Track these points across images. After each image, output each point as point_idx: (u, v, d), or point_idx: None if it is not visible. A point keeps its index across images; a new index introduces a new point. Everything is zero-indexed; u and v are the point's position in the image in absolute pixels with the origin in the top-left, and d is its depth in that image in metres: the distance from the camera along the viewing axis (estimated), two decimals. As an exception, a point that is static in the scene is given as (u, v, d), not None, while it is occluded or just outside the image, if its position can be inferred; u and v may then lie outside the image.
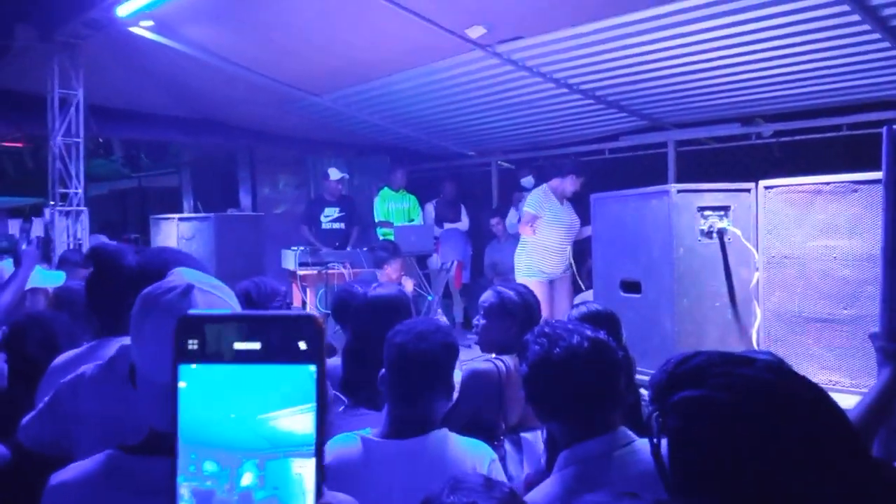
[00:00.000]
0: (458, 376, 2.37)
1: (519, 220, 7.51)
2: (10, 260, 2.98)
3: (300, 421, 0.62)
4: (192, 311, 0.65)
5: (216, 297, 1.28)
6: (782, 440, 0.90)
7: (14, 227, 12.75)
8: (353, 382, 2.14)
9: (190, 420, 0.62)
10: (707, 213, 3.25)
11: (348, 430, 1.89)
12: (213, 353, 0.62)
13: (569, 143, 7.65)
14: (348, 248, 6.97)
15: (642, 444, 1.52)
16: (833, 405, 0.94)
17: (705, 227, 3.23)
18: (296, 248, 6.55)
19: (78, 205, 5.97)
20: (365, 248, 6.72)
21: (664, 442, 0.99)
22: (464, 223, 8.13)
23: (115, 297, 2.28)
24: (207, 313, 0.65)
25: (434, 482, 1.68)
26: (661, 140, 7.13)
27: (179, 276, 1.34)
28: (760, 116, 6.54)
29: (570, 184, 5.71)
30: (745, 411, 0.92)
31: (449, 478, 1.29)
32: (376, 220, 7.73)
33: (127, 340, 2.12)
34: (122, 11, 5.23)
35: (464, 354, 2.83)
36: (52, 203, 5.93)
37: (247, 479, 0.61)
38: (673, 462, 0.96)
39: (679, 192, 3.24)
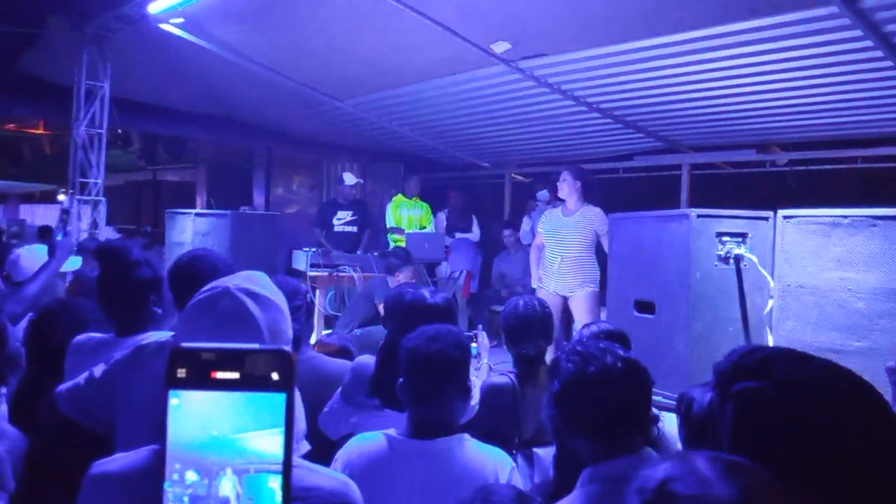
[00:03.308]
0: (476, 390, 2.42)
1: (532, 230, 7.57)
2: (42, 246, 3.01)
3: (271, 442, 0.71)
4: (184, 344, 0.75)
5: (245, 303, 1.28)
6: (833, 438, 0.94)
7: (26, 212, 12.80)
8: (384, 383, 2.18)
9: (178, 435, 0.72)
10: (725, 238, 3.29)
11: (372, 430, 1.94)
12: (199, 380, 0.72)
13: (584, 160, 7.70)
14: (359, 252, 7.02)
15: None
16: (885, 410, 0.98)
17: (723, 253, 3.27)
18: (307, 249, 6.60)
19: (97, 195, 6.04)
20: (376, 253, 6.77)
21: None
22: (475, 234, 8.18)
23: (124, 299, 2.33)
24: (195, 346, 0.74)
25: (456, 484, 1.73)
26: (675, 162, 7.18)
27: (230, 279, 1.35)
28: (776, 145, 6.59)
29: (563, 188, 5.46)
30: (799, 408, 0.97)
31: (479, 488, 1.32)
32: (388, 227, 7.78)
33: (145, 339, 2.18)
34: (153, 8, 5.30)
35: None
36: (71, 191, 5.99)
37: (225, 487, 0.71)
38: (731, 445, 1.00)
39: (699, 216, 3.29)
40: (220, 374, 0.72)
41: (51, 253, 2.87)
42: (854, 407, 0.97)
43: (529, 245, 7.60)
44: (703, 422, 1.95)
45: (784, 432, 0.97)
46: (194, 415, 0.72)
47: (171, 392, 0.72)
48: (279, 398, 0.71)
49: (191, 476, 0.72)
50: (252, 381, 0.72)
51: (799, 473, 0.92)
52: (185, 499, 0.72)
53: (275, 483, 0.71)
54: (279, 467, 0.71)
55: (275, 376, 0.71)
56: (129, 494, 1.23)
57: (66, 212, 2.86)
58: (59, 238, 2.95)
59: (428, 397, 1.88)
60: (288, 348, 0.74)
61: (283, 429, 0.71)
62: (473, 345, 2.63)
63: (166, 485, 0.72)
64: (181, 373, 0.72)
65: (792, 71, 4.98)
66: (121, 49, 6.11)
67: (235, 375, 0.72)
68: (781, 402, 0.98)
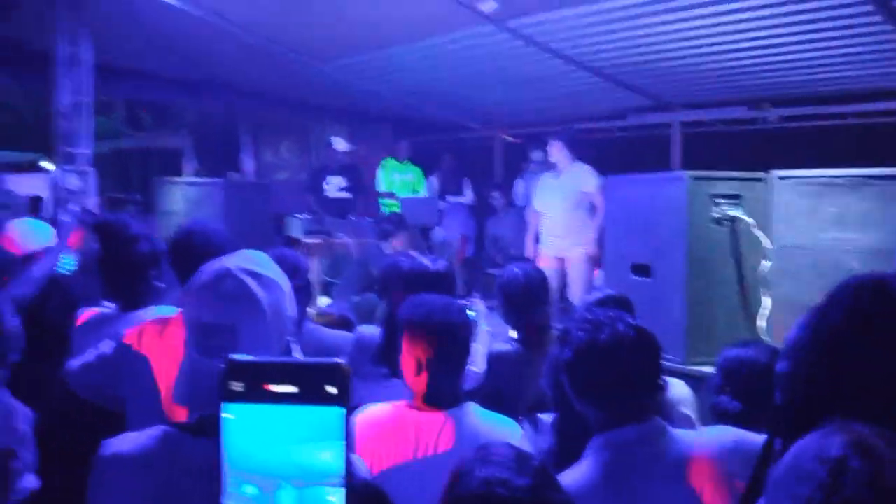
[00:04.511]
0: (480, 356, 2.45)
1: (526, 191, 7.59)
2: (37, 221, 2.98)
3: (330, 456, 0.71)
4: (237, 357, 0.74)
5: (248, 284, 1.28)
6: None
7: (14, 182, 12.61)
8: (391, 353, 2.19)
9: (234, 449, 0.72)
10: (720, 200, 3.30)
11: (381, 400, 1.96)
12: (255, 394, 0.72)
13: (574, 120, 7.66)
14: (352, 218, 6.99)
15: (677, 434, 1.59)
16: None
17: (718, 215, 3.28)
18: (301, 215, 6.58)
19: (85, 165, 5.93)
20: (369, 218, 6.75)
21: None
22: (467, 197, 8.16)
23: (126, 274, 2.34)
24: (250, 359, 0.74)
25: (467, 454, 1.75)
26: (666, 120, 7.15)
27: (231, 259, 1.34)
28: (768, 101, 6.57)
29: (551, 152, 5.57)
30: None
31: (478, 447, 1.34)
32: (380, 191, 7.74)
33: (148, 314, 2.19)
34: (133, -29, 5.17)
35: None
36: (58, 162, 5.89)
37: (284, 501, 0.71)
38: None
39: (693, 178, 3.29)
40: (276, 388, 0.71)
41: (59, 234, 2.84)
42: None
43: (522, 207, 7.62)
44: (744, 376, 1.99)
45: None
46: (251, 428, 0.72)
47: (226, 406, 0.71)
48: (337, 412, 0.71)
49: (249, 490, 0.72)
50: (309, 395, 0.71)
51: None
52: None
53: (334, 496, 0.71)
54: (339, 480, 0.71)
55: (332, 390, 0.71)
56: (142, 476, 1.25)
57: (68, 191, 2.82)
58: (64, 218, 2.91)
59: (434, 370, 1.90)
60: (343, 362, 0.73)
61: (342, 442, 0.71)
62: (471, 312, 2.65)
63: (224, 498, 0.72)
64: (236, 386, 0.72)
65: (784, 26, 4.95)
66: (100, 13, 5.96)
67: (292, 389, 0.71)
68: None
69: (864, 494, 0.84)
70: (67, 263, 2.68)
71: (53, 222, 3.07)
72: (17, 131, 10.54)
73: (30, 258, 2.97)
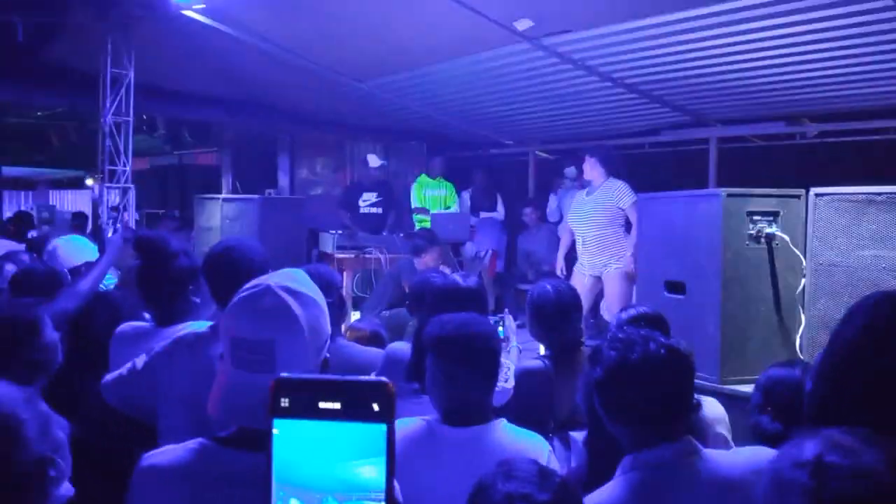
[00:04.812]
0: (511, 372, 2.45)
1: (558, 207, 7.59)
2: (80, 237, 3.06)
3: (372, 471, 0.73)
4: (285, 375, 0.76)
5: (287, 301, 1.30)
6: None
7: (58, 198, 12.97)
8: (422, 369, 2.20)
9: (280, 462, 0.74)
10: (756, 217, 3.26)
11: (411, 415, 1.97)
12: (302, 410, 0.74)
13: (609, 136, 7.64)
14: (384, 233, 7.05)
15: (710, 454, 1.57)
16: None
17: (754, 232, 3.24)
18: (334, 231, 6.66)
19: (126, 182, 6.11)
20: (401, 234, 6.81)
21: None
22: (499, 212, 8.18)
23: (165, 289, 2.39)
24: (299, 377, 0.76)
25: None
26: (703, 136, 7.09)
27: (271, 277, 1.37)
28: (806, 116, 6.47)
29: (586, 169, 5.55)
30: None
31: (501, 462, 1.34)
32: (413, 207, 7.80)
33: (183, 329, 2.23)
34: (175, -6, 5.33)
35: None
36: (100, 176, 6.07)
37: None
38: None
39: (729, 195, 3.26)
40: (322, 404, 0.73)
41: (101, 250, 2.91)
42: None
43: (554, 223, 7.61)
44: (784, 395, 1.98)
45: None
46: (297, 443, 0.74)
47: (274, 421, 0.74)
48: (379, 429, 0.73)
49: (294, 503, 0.74)
50: (353, 412, 0.73)
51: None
52: None
53: None
54: (381, 495, 0.73)
55: (375, 407, 0.73)
56: (180, 487, 1.27)
57: (110, 207, 2.90)
58: (109, 235, 2.99)
59: (462, 387, 1.89)
60: (387, 381, 0.75)
61: (383, 458, 0.73)
62: (500, 328, 2.65)
63: None
64: (284, 402, 0.74)
65: (822, 42, 4.89)
66: (144, 36, 6.15)
67: (337, 406, 0.73)
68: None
69: (848, 486, 0.85)
70: (107, 279, 2.75)
71: (97, 238, 3.14)
72: (61, 149, 10.87)
73: (74, 273, 3.06)
